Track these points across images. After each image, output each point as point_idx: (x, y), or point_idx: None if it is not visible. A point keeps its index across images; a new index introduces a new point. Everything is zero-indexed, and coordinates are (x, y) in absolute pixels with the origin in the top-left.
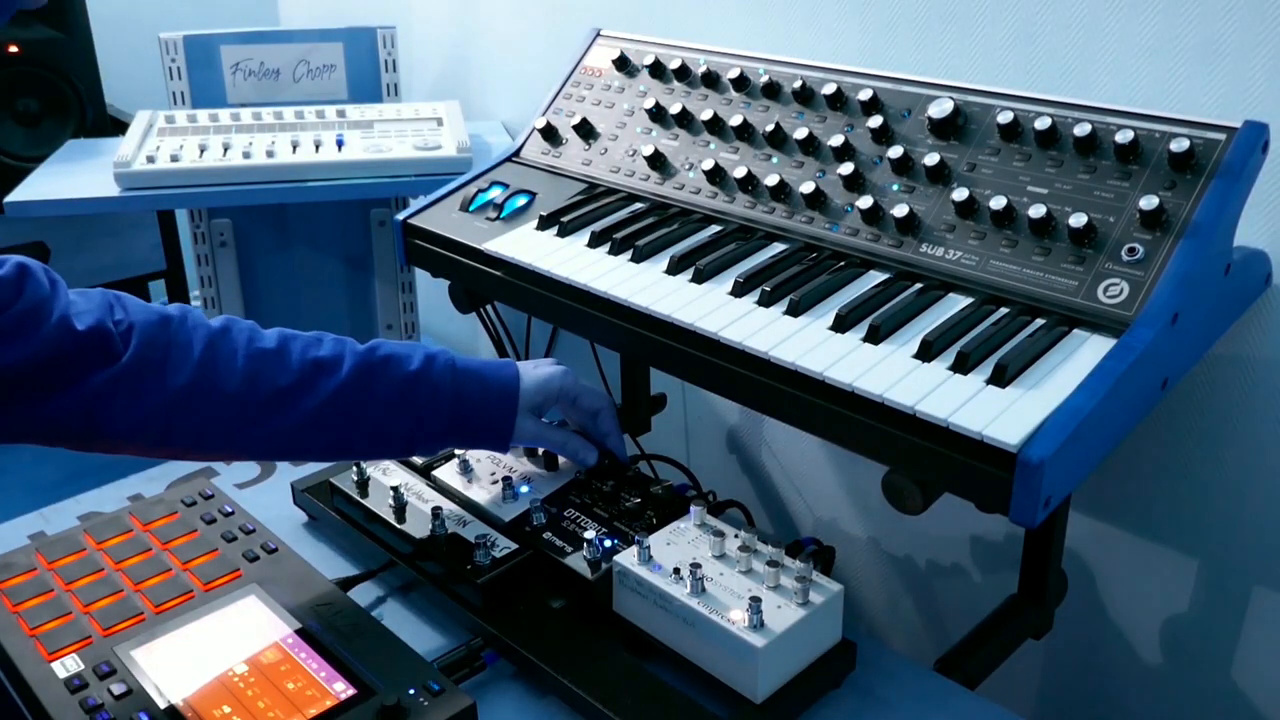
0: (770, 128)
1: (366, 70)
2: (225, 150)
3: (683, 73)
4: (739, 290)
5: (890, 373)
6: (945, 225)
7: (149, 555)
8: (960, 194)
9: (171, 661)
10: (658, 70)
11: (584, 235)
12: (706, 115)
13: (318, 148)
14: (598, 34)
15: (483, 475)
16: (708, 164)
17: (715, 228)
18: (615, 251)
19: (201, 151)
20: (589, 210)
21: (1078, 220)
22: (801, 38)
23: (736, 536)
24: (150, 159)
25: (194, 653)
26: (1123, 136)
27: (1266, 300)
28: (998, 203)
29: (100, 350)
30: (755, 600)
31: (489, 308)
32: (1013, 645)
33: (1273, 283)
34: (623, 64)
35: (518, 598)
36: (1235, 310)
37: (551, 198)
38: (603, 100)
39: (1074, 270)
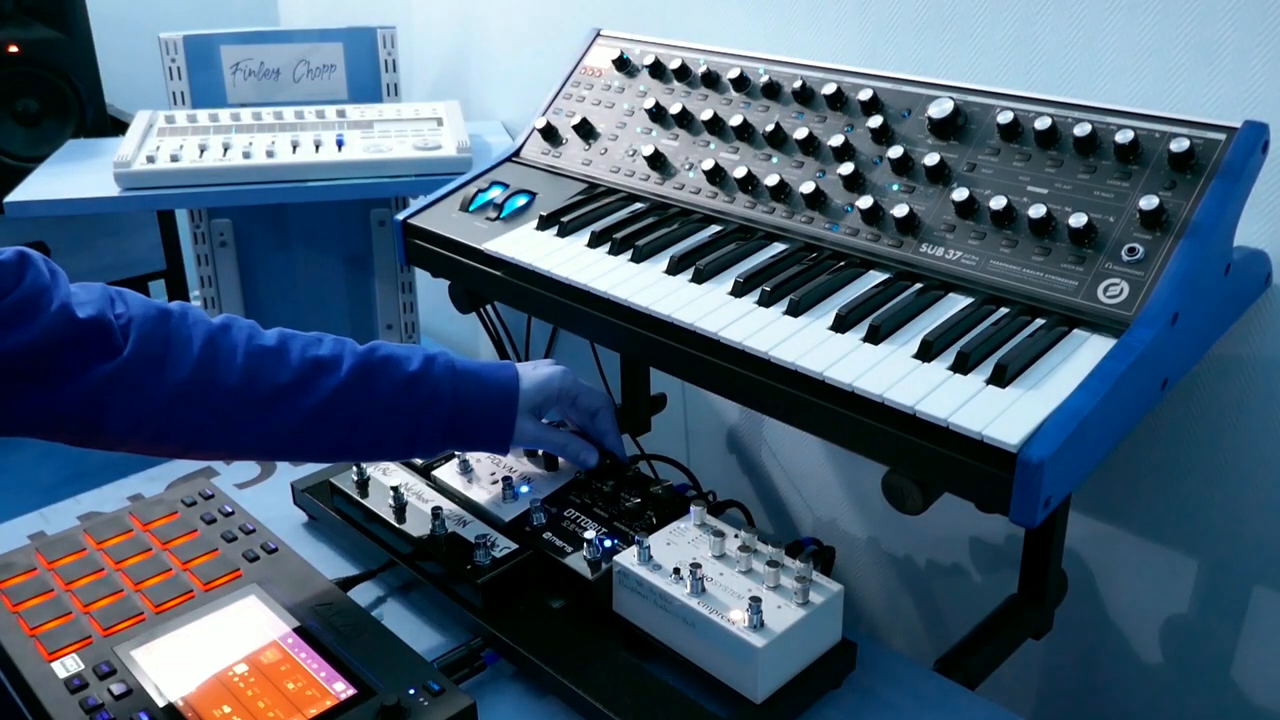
0: (770, 128)
1: (366, 70)
2: (225, 150)
3: (683, 73)
4: (739, 290)
5: (890, 373)
6: (945, 225)
7: (149, 555)
8: (960, 194)
9: (171, 661)
10: (658, 70)
11: (584, 235)
12: (706, 115)
13: (318, 148)
14: (598, 34)
15: (483, 475)
16: (708, 164)
17: (715, 228)
18: (615, 251)
19: (201, 151)
20: (589, 210)
21: (1078, 220)
22: (802, 38)
23: (736, 536)
24: (150, 159)
25: (194, 653)
26: (1123, 136)
27: (1266, 300)
28: (998, 203)
29: (100, 342)
30: (755, 600)
31: (489, 308)
32: (1013, 645)
33: (1273, 283)
34: (623, 64)
35: (518, 598)
36: (1235, 310)
37: (551, 198)
38: (603, 100)
39: (1074, 270)
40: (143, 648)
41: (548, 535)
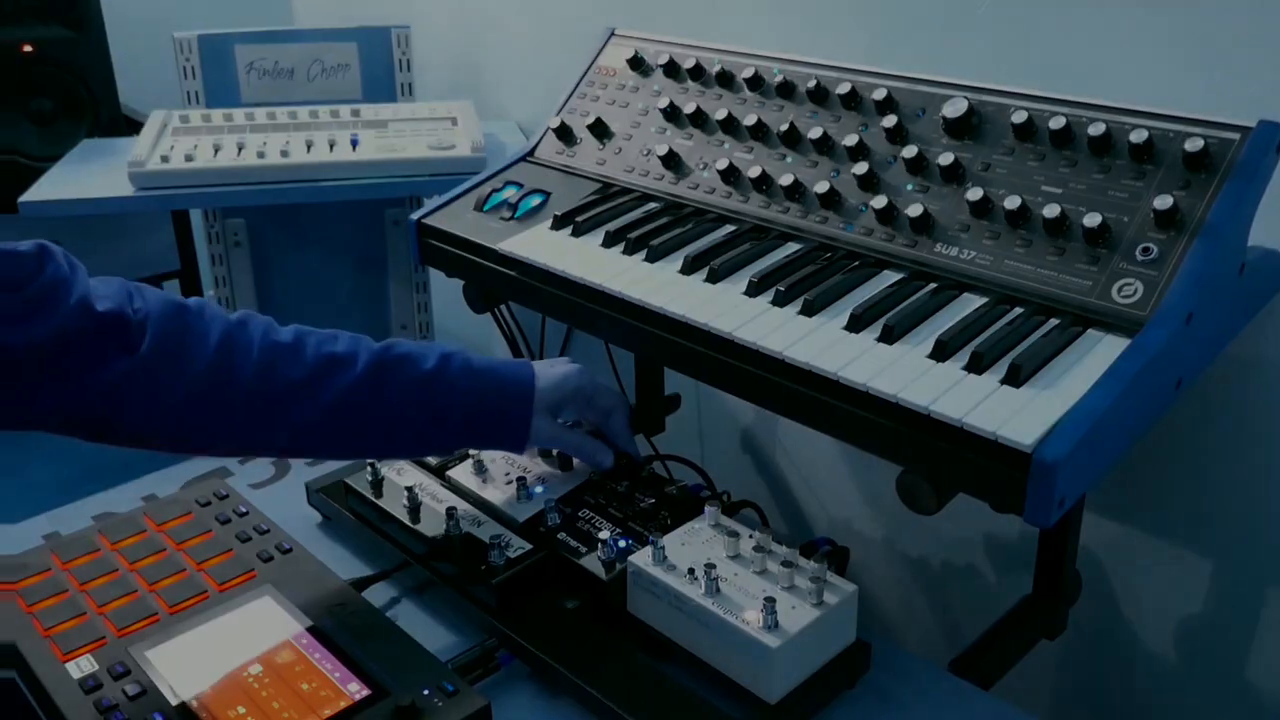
0: (785, 127)
1: (380, 70)
2: (239, 150)
3: (697, 72)
4: (753, 290)
5: (904, 373)
6: (960, 225)
7: (163, 556)
8: (975, 194)
9: (186, 662)
10: (672, 70)
11: (598, 235)
12: (721, 115)
13: (332, 147)
14: (612, 33)
15: (497, 476)
16: (722, 164)
17: (729, 227)
18: (630, 251)
19: (216, 151)
20: (603, 210)
21: (1092, 220)
22: (816, 37)
23: (751, 537)
24: (164, 159)
25: (208, 653)
26: (1137, 136)
27: None
28: (1012, 202)
29: (118, 337)
30: (770, 601)
31: (503, 308)
32: (1027, 646)
33: None
34: (637, 63)
35: (532, 598)
36: (1249, 310)
37: (566, 197)
38: (617, 100)
39: (1088, 270)
40: (157, 648)
41: (562, 536)
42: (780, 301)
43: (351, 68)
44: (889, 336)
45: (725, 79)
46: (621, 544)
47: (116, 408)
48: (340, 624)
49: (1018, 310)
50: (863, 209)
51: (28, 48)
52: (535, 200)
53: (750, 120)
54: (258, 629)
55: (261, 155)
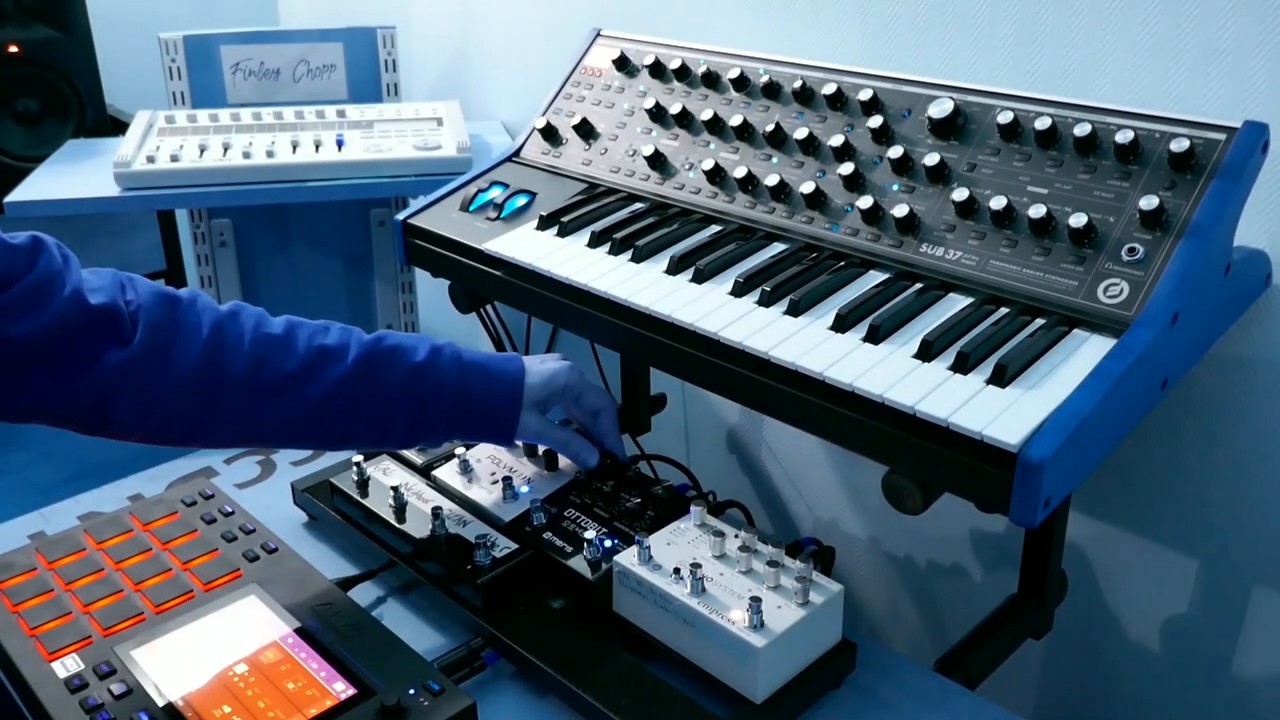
0: (770, 128)
1: (366, 70)
2: (225, 150)
3: (683, 73)
4: (739, 290)
5: (890, 373)
6: (945, 225)
7: (149, 555)
8: (960, 194)
9: (172, 661)
10: (658, 70)
11: (584, 235)
12: (706, 115)
13: (318, 148)
14: (598, 34)
15: (483, 475)
16: (708, 164)
17: (715, 228)
18: (615, 251)
19: (201, 151)
20: (589, 210)
21: (1078, 220)
22: (802, 38)
23: (736, 536)
24: (150, 159)
25: (194, 652)
26: (1123, 136)
27: (1266, 300)
28: (998, 203)
29: (111, 329)
30: (755, 600)
31: (489, 308)
32: (1013, 645)
33: (1273, 283)
34: (623, 64)
35: (518, 598)
36: (1235, 310)
37: (551, 198)
38: (603, 100)
39: (1074, 270)
40: (143, 648)
41: (548, 535)
42: (766, 302)
43: (337, 68)
44: (875, 336)
45: (711, 79)
46: (607, 544)
47: (110, 400)
48: (326, 623)
49: (1003, 310)
50: (848, 209)
51: (14, 48)
52: (521, 200)
53: (736, 121)
54: (243, 628)
55: (247, 155)
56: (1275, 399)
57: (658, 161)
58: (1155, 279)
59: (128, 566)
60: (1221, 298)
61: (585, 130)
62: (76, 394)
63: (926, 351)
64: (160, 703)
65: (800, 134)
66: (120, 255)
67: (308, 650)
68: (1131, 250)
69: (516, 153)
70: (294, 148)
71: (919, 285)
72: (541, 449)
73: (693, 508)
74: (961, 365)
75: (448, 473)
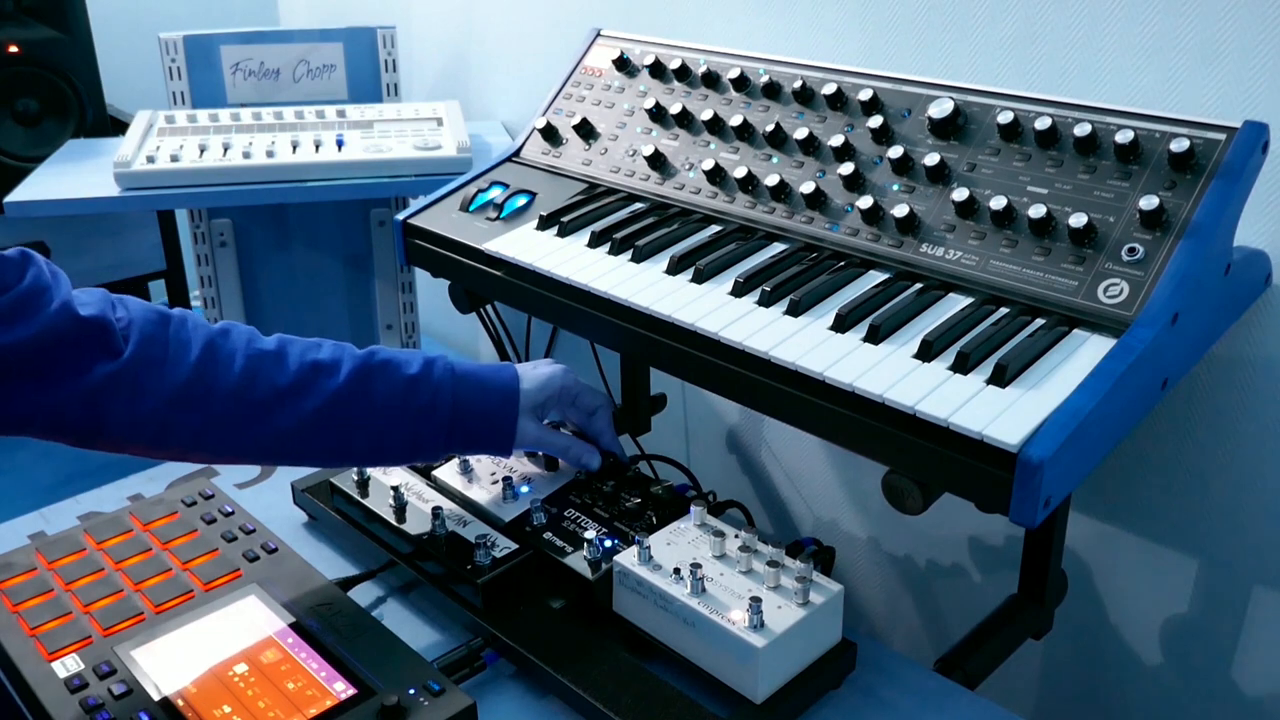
0: (770, 128)
1: (366, 70)
2: (225, 150)
3: (683, 73)
4: (739, 290)
5: (890, 373)
6: (945, 225)
7: (149, 555)
8: (960, 194)
9: (171, 661)
10: (658, 70)
11: (584, 235)
12: (706, 115)
13: (318, 148)
14: (598, 34)
15: (483, 475)
16: (708, 164)
17: (715, 228)
18: (615, 251)
19: (201, 151)
20: (589, 210)
21: (1078, 220)
22: (802, 38)
23: (737, 537)
24: (150, 159)
25: (194, 652)
26: (1123, 137)
27: (1266, 300)
28: (998, 203)
29: (101, 341)
30: (755, 600)
31: (489, 308)
32: (1013, 645)
33: (1273, 283)
34: (623, 64)
35: (518, 598)
36: (1235, 310)
37: (551, 198)
38: (603, 100)
39: (1074, 270)
40: (143, 647)
41: (548, 535)
42: (766, 302)
43: (337, 68)
44: (875, 337)
45: (711, 79)
46: (607, 544)
47: (100, 413)
48: (326, 623)
49: (1003, 310)
50: (848, 209)
51: (14, 48)
52: (521, 200)
53: (736, 121)
54: (243, 628)
55: (247, 155)
56: (1275, 399)
57: (658, 161)
58: (1155, 279)
59: (128, 566)
60: (1221, 297)
61: (585, 130)
62: (67, 405)
63: (926, 351)
64: (160, 702)
65: (800, 134)
66: (120, 255)
67: (308, 650)
68: (1132, 250)
69: (516, 153)
70: (294, 148)
71: (919, 285)
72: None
73: (693, 508)
74: (961, 365)
75: (448, 473)
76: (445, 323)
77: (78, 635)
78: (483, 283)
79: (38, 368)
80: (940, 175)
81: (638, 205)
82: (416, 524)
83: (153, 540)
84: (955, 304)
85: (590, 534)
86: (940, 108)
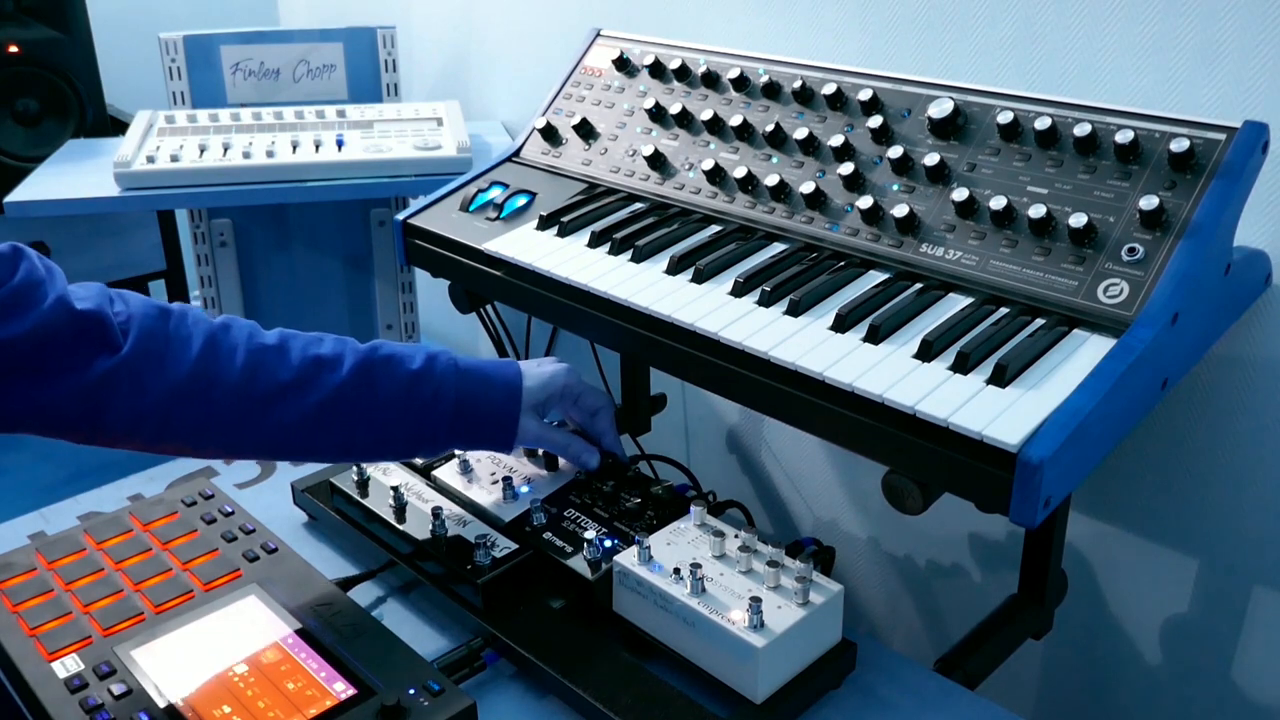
0: (770, 128)
1: (366, 70)
2: (225, 150)
3: (683, 73)
4: (739, 290)
5: (890, 373)
6: (945, 225)
7: (149, 555)
8: (960, 194)
9: (171, 661)
10: (658, 70)
11: (584, 235)
12: (706, 115)
13: (318, 148)
14: (598, 34)
15: (483, 475)
16: (708, 164)
17: (715, 228)
18: (615, 251)
19: (201, 151)
20: (589, 210)
21: (1078, 220)
22: (802, 38)
23: (736, 537)
24: (150, 159)
25: (194, 653)
26: (1123, 136)
27: (1266, 300)
28: (998, 203)
29: (98, 336)
30: (755, 600)
31: (489, 308)
32: (1013, 645)
33: (1273, 283)
34: (623, 64)
35: (518, 598)
36: (1236, 310)
37: (551, 198)
38: (603, 100)
39: (1074, 270)
40: (143, 648)
41: (548, 535)
42: (766, 302)
43: (337, 68)
44: (874, 337)
45: (711, 79)
46: (607, 544)
47: (99, 408)
48: (326, 624)
49: (1003, 310)
50: (848, 209)
51: (14, 48)
52: (521, 200)
53: (736, 121)
54: (243, 628)
55: (247, 155)
56: (1275, 399)
57: (658, 161)
58: (1155, 279)
59: (128, 566)
60: (1221, 298)
61: (585, 130)
62: (65, 400)
63: (926, 351)
64: (160, 703)
65: (800, 134)
66: (120, 255)
67: (308, 650)
68: (1131, 250)
69: (516, 153)
70: (294, 148)
71: (919, 285)
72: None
73: (693, 508)
74: (961, 365)
75: (448, 473)
76: (445, 323)
77: (78, 635)
78: (483, 283)
79: (34, 363)
80: (940, 175)
81: (638, 205)
82: (416, 524)
83: (153, 540)
84: (955, 304)
85: (590, 534)
86: (940, 108)
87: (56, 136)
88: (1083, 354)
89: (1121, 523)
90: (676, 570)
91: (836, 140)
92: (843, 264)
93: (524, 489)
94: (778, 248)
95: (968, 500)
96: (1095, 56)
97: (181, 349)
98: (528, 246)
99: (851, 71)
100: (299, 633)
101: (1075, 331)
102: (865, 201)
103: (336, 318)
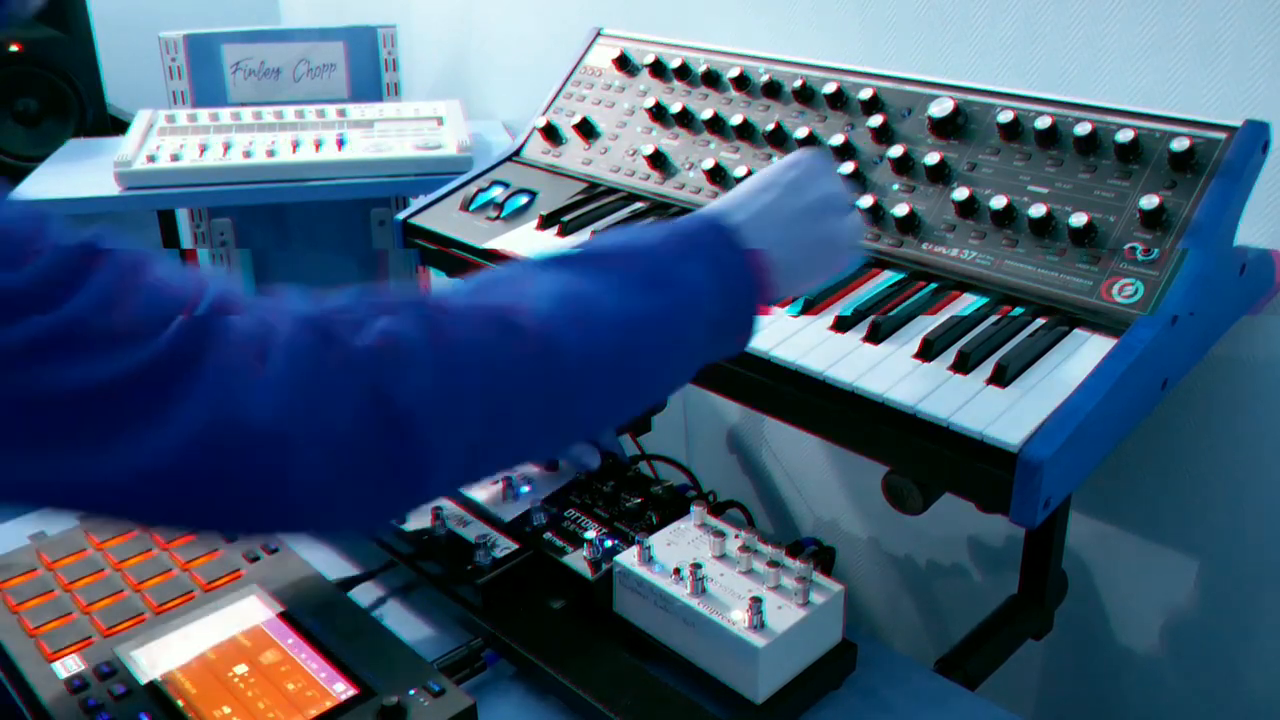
0: (771, 127)
1: (367, 69)
2: (226, 149)
3: (683, 72)
4: None
5: (891, 372)
6: (946, 225)
7: (150, 555)
8: (961, 193)
9: (172, 662)
10: (658, 69)
11: (585, 234)
12: (707, 114)
13: (319, 147)
14: (599, 33)
15: None
16: (709, 163)
17: None
18: None
19: (202, 151)
20: (590, 210)
21: (1078, 220)
22: (802, 37)
23: (737, 537)
24: (151, 158)
25: (195, 653)
26: (1123, 136)
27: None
28: (998, 202)
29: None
30: (756, 600)
31: None
32: (1013, 646)
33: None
34: (624, 63)
35: (518, 598)
36: (1236, 310)
37: (552, 197)
38: (603, 99)
39: (1075, 269)
40: (144, 648)
41: (548, 535)
42: None
43: (338, 67)
44: (875, 336)
45: (711, 79)
46: (607, 544)
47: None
48: (326, 624)
49: (1003, 311)
50: None
51: (15, 47)
52: (522, 200)
53: (736, 120)
54: (244, 629)
55: (248, 155)
56: (1276, 399)
57: (659, 161)
58: (1155, 279)
59: (129, 566)
60: (1222, 298)
61: (586, 130)
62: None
63: (927, 351)
64: (161, 703)
65: (801, 133)
66: None
67: (308, 650)
68: (1132, 250)
69: (517, 152)
70: (295, 147)
71: (919, 285)
72: None
73: (693, 508)
74: (962, 365)
75: None
76: None
77: (79, 636)
78: None
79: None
80: (941, 174)
81: (638, 205)
82: (416, 524)
83: (154, 540)
84: (958, 304)
85: (590, 534)
86: (941, 107)
87: (57, 136)
88: (1083, 354)
89: (1121, 523)
90: (677, 570)
91: (837, 139)
92: None
93: (524, 489)
94: None
95: (968, 500)
96: (1095, 56)
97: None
98: (528, 246)
99: (852, 71)
100: (300, 633)
101: (1076, 331)
102: (866, 201)
103: None
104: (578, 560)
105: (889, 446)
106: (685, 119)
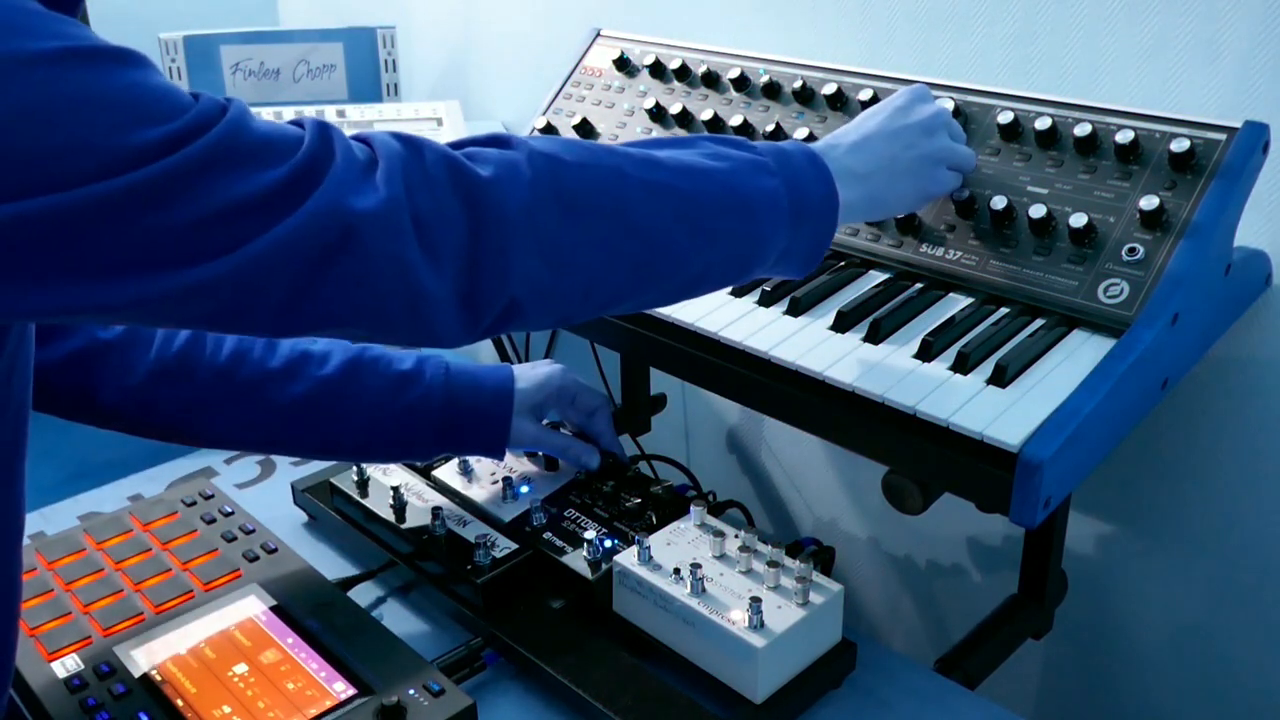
0: (771, 128)
1: (366, 70)
2: None
3: (683, 73)
4: (739, 290)
5: (891, 373)
6: (945, 225)
7: (149, 555)
8: (960, 194)
9: (171, 661)
10: (658, 70)
11: None
12: (707, 115)
13: None
14: (598, 34)
15: (483, 475)
16: None
17: None
18: None
19: None
20: None
21: (1078, 220)
22: (802, 38)
23: (736, 537)
24: None
25: (194, 653)
26: (1123, 136)
27: (1266, 300)
28: (998, 203)
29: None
30: (755, 600)
31: None
32: (1013, 645)
33: (1273, 283)
34: (623, 64)
35: (518, 598)
36: (1235, 310)
37: None
38: (603, 100)
39: (1074, 270)
40: (143, 648)
41: (548, 535)
42: (766, 301)
43: (337, 68)
44: (875, 336)
45: (711, 79)
46: (607, 544)
47: (89, 380)
48: (326, 624)
49: (1004, 310)
50: None
51: None
52: None
53: (736, 121)
54: (243, 629)
55: None
56: (1275, 399)
57: None
58: (1155, 279)
59: (128, 567)
60: (1222, 298)
61: (585, 130)
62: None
63: (927, 352)
64: (160, 703)
65: (801, 134)
66: None
67: (308, 650)
68: (1132, 250)
69: None
70: None
71: (919, 285)
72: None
73: (693, 508)
74: (962, 365)
75: (447, 472)
76: None
77: (77, 635)
78: None
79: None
80: None
81: None
82: (416, 524)
83: (153, 540)
84: (956, 304)
85: (590, 534)
86: None
87: None
88: (1083, 354)
89: (1121, 523)
90: (676, 570)
91: None
92: (843, 264)
93: (524, 489)
94: None
95: (968, 500)
96: (1095, 56)
97: (170, 334)
98: None
99: (852, 71)
100: (299, 633)
101: (1075, 332)
102: None
103: None
104: (577, 560)
105: (889, 446)
106: (685, 120)
